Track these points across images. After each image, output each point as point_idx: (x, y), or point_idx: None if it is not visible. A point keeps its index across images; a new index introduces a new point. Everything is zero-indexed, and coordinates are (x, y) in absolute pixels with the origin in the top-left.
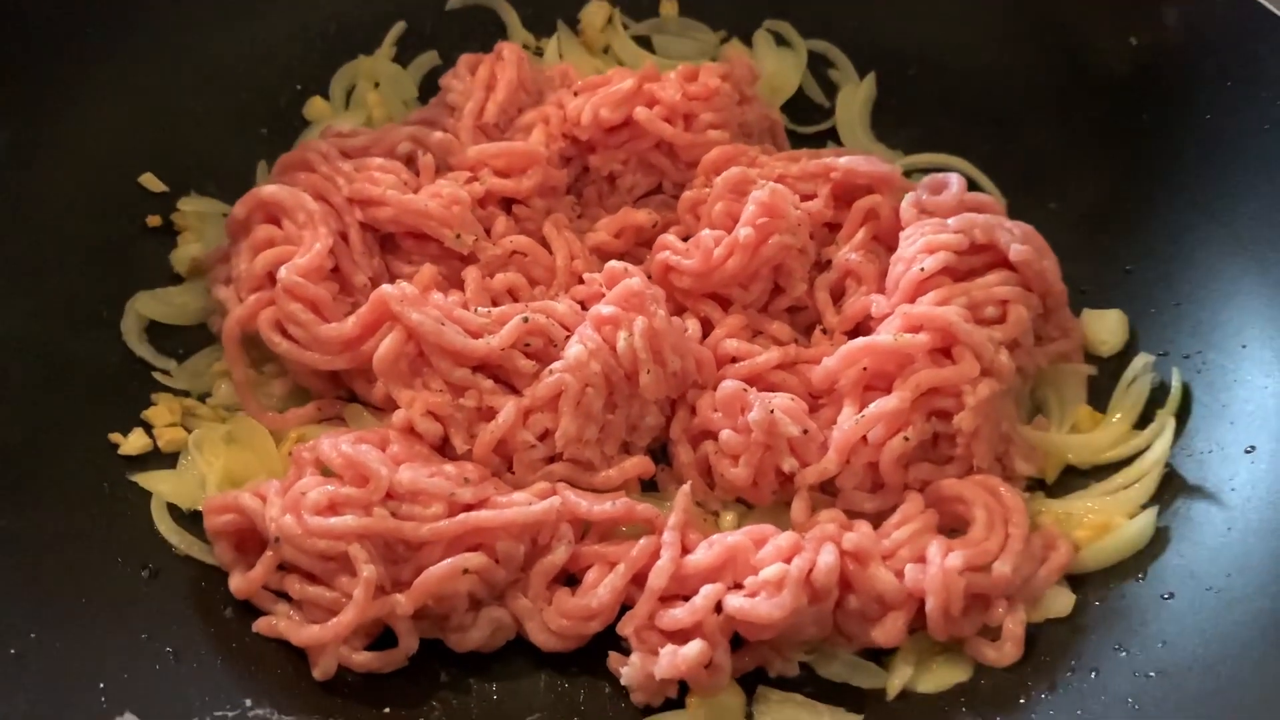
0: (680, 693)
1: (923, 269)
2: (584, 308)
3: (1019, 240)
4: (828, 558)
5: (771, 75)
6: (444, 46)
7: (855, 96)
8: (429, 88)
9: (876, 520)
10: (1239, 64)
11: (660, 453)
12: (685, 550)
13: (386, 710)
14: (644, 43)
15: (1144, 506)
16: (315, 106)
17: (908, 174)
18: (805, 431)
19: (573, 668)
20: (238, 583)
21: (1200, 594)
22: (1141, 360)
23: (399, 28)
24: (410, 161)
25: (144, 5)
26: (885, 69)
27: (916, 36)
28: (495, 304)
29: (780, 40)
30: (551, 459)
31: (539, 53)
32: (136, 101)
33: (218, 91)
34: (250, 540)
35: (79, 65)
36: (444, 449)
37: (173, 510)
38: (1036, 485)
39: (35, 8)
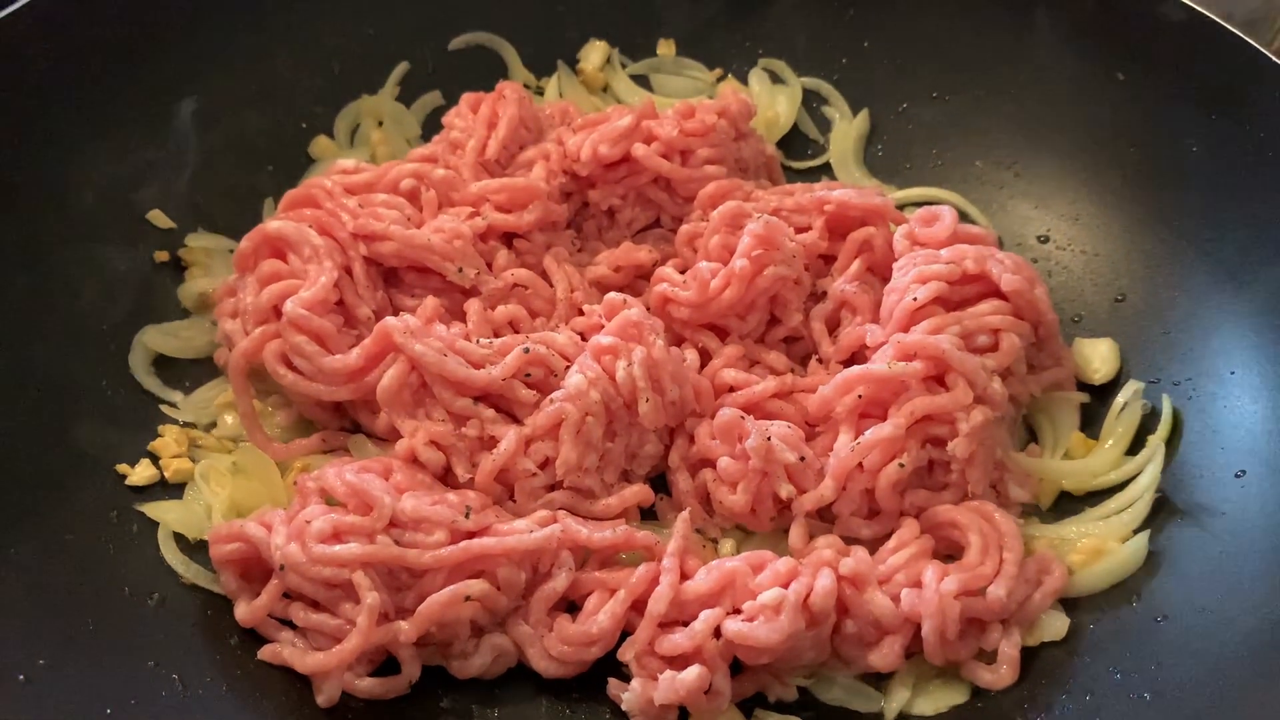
0: (681, 718)
1: (915, 299)
2: (584, 338)
3: (1010, 270)
4: (825, 582)
5: (767, 112)
6: (446, 86)
7: (849, 132)
8: (432, 126)
9: (873, 546)
10: (1223, 97)
11: (659, 483)
12: (684, 576)
13: None
14: (642, 81)
15: (1137, 531)
16: (321, 145)
17: (901, 208)
18: (802, 458)
19: (574, 694)
20: (243, 611)
21: (1193, 616)
22: (1131, 387)
23: (402, 68)
24: (413, 197)
25: (151, 44)
26: (878, 105)
27: (908, 73)
28: (497, 335)
29: (775, 78)
30: (552, 487)
31: (540, 91)
32: (144, 139)
33: (225, 130)
34: (255, 569)
35: (87, 104)
36: (446, 478)
37: (179, 540)
38: (1031, 511)
39: (44, 48)
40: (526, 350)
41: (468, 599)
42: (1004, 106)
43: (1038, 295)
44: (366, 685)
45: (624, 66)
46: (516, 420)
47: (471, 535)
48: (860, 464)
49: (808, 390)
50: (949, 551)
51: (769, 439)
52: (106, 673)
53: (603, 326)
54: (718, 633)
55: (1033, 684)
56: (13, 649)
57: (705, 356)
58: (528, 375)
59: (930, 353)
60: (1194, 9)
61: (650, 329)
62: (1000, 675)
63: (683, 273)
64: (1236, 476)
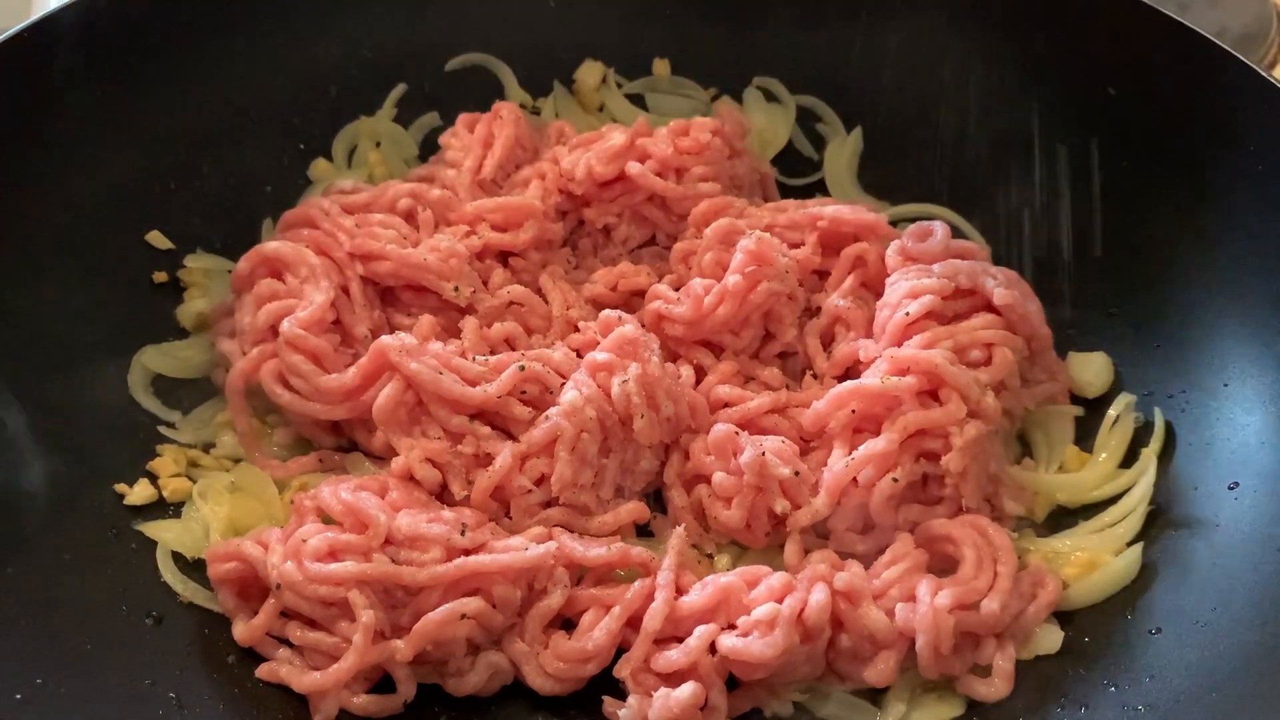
0: None
1: (908, 313)
2: (579, 355)
3: (1003, 285)
4: (819, 597)
5: (761, 130)
6: (443, 106)
7: (843, 149)
8: (430, 146)
9: (867, 561)
10: (1214, 113)
11: (655, 499)
12: (680, 592)
13: None
14: (637, 101)
15: (1131, 544)
16: (319, 167)
17: (894, 224)
18: (796, 473)
19: (569, 711)
20: (241, 630)
21: (1187, 628)
22: (1123, 400)
23: (399, 89)
24: (410, 217)
25: (150, 67)
26: (871, 123)
27: (901, 91)
28: (493, 353)
29: (770, 96)
30: (548, 504)
31: (536, 111)
32: (144, 161)
33: (223, 151)
34: (253, 587)
35: (86, 124)
36: (442, 495)
37: (177, 558)
38: (1025, 524)
39: (43, 71)
40: (522, 367)
41: (464, 617)
42: (997, 123)
43: (1030, 309)
44: (363, 703)
45: (619, 86)
46: (512, 437)
47: (467, 553)
48: (854, 479)
49: (802, 405)
50: (943, 566)
51: (763, 454)
52: (104, 691)
53: (598, 343)
54: (713, 649)
55: (1027, 697)
56: (10, 667)
57: (700, 373)
58: (523, 392)
59: (923, 367)
60: (1186, 25)
61: (645, 345)
62: (995, 688)
63: (677, 290)
64: (1230, 488)
